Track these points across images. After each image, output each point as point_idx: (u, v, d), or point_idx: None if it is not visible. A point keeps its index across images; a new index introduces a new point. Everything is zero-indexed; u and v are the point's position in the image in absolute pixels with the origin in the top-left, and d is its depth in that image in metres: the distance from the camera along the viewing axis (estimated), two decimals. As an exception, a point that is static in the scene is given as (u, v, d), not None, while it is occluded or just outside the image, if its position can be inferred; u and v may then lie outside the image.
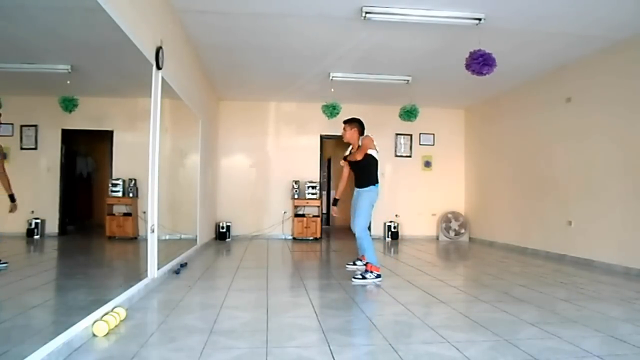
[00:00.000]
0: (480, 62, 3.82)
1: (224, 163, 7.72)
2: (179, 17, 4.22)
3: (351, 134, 4.07)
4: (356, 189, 4.06)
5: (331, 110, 6.17)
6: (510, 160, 6.71)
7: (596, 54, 4.90)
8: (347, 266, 4.35)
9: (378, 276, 3.72)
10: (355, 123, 4.09)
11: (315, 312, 2.71)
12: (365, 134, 4.06)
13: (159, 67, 3.47)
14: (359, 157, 3.88)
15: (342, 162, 4.16)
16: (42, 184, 3.37)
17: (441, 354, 1.99)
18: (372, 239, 4.01)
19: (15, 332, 2.07)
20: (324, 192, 10.23)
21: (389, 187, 7.90)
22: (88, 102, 3.31)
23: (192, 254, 5.11)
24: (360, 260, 4.26)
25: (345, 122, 4.15)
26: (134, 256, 4.11)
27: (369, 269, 3.75)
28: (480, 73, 3.89)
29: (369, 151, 3.89)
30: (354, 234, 3.98)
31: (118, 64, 3.25)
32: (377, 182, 3.96)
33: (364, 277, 3.68)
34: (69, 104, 2.96)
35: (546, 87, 5.82)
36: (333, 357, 1.94)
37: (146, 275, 3.33)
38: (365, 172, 3.96)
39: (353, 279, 3.70)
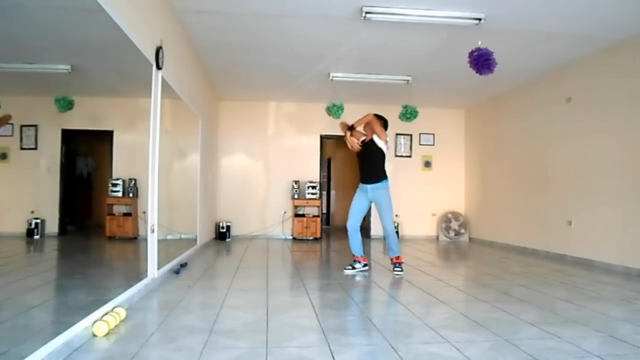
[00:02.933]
0: (490, 61, 3.78)
1: (224, 163, 7.72)
2: (179, 17, 4.22)
3: (375, 125, 4.11)
4: (369, 186, 4.10)
5: (336, 110, 6.16)
6: (510, 160, 6.71)
7: (596, 54, 4.90)
8: (346, 271, 4.14)
9: (365, 265, 4.18)
10: (378, 118, 4.14)
11: (315, 312, 2.71)
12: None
13: (159, 67, 3.47)
14: (381, 135, 4.00)
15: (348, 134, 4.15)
16: (42, 184, 3.37)
17: (441, 354, 1.99)
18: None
19: (15, 332, 2.07)
20: (324, 192, 10.24)
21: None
22: (88, 102, 3.31)
23: (192, 254, 5.11)
24: (359, 263, 4.18)
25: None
26: (134, 256, 4.11)
27: (401, 260, 4.09)
28: (490, 72, 3.84)
29: (378, 142, 4.03)
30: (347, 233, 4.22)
31: (118, 64, 3.24)
32: (387, 176, 4.14)
33: (402, 269, 4.04)
34: (63, 105, 2.95)
35: (546, 87, 5.82)
36: (333, 357, 1.94)
37: (146, 275, 3.33)
38: (379, 163, 4.09)
39: (395, 274, 3.99)
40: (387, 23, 4.16)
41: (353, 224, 4.21)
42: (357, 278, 3.93)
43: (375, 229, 7.75)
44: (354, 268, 4.18)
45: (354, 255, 4.22)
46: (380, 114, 4.21)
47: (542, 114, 5.91)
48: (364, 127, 4.22)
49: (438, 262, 5.30)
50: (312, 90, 6.85)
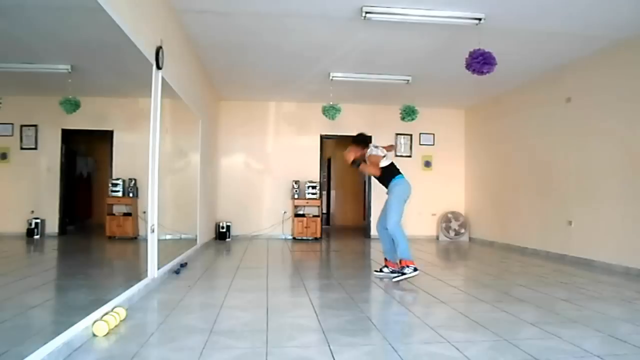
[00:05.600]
0: (480, 61, 3.81)
1: (224, 163, 7.72)
2: (179, 17, 4.22)
3: (355, 152, 4.05)
4: (386, 190, 4.03)
5: (332, 112, 6.17)
6: (510, 160, 6.71)
7: (596, 54, 4.90)
8: (376, 273, 4.04)
9: (415, 269, 3.65)
10: (356, 142, 4.08)
11: (315, 312, 2.71)
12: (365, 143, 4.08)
13: (159, 67, 3.47)
14: (374, 171, 3.95)
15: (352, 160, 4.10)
16: (42, 184, 3.37)
17: (441, 354, 1.99)
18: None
19: (15, 332, 2.07)
20: (324, 192, 10.24)
21: (389, 187, 7.90)
22: (88, 102, 3.31)
23: (192, 254, 5.11)
24: (387, 267, 3.98)
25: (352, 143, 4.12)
26: (134, 256, 4.11)
27: (404, 264, 3.67)
28: (480, 72, 3.88)
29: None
30: (380, 233, 4.02)
31: (118, 64, 3.25)
32: (398, 174, 3.97)
33: (403, 274, 3.64)
34: (69, 106, 2.95)
35: (546, 87, 5.82)
36: (333, 357, 1.94)
37: (146, 275, 3.33)
38: (384, 173, 3.98)
39: (393, 279, 3.69)
40: (387, 23, 4.16)
41: (377, 226, 4.15)
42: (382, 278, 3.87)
43: (375, 229, 7.75)
44: (381, 271, 4.01)
45: (385, 259, 4.06)
46: (358, 135, 4.12)
47: (542, 114, 5.90)
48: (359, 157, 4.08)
49: (438, 262, 5.30)
50: (312, 90, 6.85)
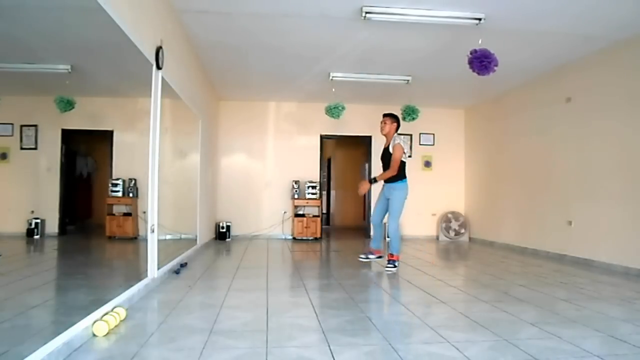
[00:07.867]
0: (490, 61, 3.79)
1: (224, 163, 7.72)
2: (179, 17, 4.22)
3: (390, 128, 4.50)
4: (386, 184, 4.41)
5: (337, 111, 6.17)
6: (510, 160, 6.71)
7: (596, 54, 4.90)
8: (362, 259, 4.69)
9: (379, 257, 4.56)
10: (395, 118, 4.51)
11: (315, 312, 2.71)
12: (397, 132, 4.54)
13: (159, 67, 3.47)
14: (390, 174, 4.29)
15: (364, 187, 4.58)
16: (42, 184, 3.37)
17: (441, 354, 1.99)
18: (372, 239, 4.59)
19: (15, 332, 2.07)
20: (324, 192, 10.24)
21: (389, 187, 7.89)
22: (88, 102, 3.31)
23: (192, 254, 5.11)
24: (372, 254, 4.62)
25: (385, 115, 4.56)
26: (134, 256, 4.11)
27: (396, 258, 4.23)
28: (487, 72, 3.84)
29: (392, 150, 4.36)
30: (370, 225, 4.59)
31: (118, 64, 3.24)
32: (405, 177, 4.35)
33: (395, 266, 4.21)
34: (63, 105, 2.95)
35: (546, 87, 5.82)
36: (333, 357, 1.94)
37: (146, 275, 3.33)
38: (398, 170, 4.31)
39: (386, 269, 4.20)
40: (387, 23, 4.16)
41: (372, 219, 4.64)
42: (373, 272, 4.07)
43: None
44: (367, 257, 4.65)
45: (370, 247, 4.69)
46: (391, 113, 4.61)
47: (542, 114, 5.90)
48: (386, 133, 4.59)
49: (438, 262, 5.30)
50: (312, 90, 6.85)
